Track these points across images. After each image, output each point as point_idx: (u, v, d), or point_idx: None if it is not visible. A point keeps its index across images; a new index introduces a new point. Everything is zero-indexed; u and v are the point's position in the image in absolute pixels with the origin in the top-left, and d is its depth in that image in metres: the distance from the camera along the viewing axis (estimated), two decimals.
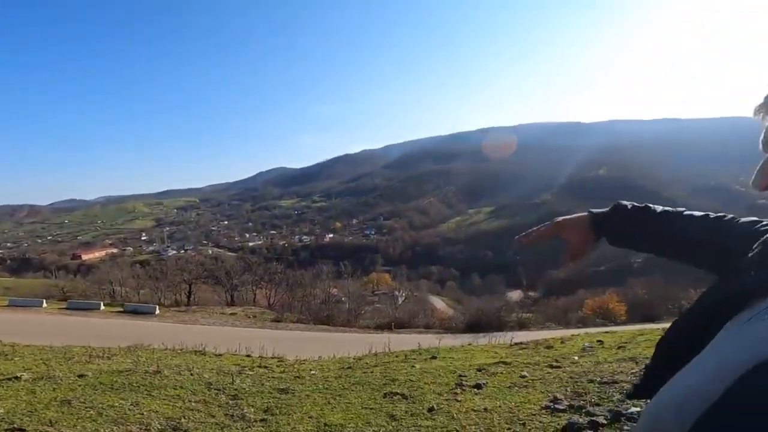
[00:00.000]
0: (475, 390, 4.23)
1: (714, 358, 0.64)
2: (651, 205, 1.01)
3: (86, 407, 3.82)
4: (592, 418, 3.00)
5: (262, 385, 4.82)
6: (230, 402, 4.19)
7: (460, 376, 4.83)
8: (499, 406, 3.61)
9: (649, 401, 0.70)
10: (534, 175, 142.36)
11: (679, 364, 0.69)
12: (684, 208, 1.00)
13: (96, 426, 3.43)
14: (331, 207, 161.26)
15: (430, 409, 3.73)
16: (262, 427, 3.60)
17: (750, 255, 0.76)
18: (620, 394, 3.50)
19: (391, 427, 3.45)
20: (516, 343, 7.75)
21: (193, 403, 4.07)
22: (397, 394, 4.29)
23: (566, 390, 3.83)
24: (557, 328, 15.47)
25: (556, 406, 3.35)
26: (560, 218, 1.06)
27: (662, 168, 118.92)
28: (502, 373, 4.87)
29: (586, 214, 1.04)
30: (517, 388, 4.16)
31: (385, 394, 4.33)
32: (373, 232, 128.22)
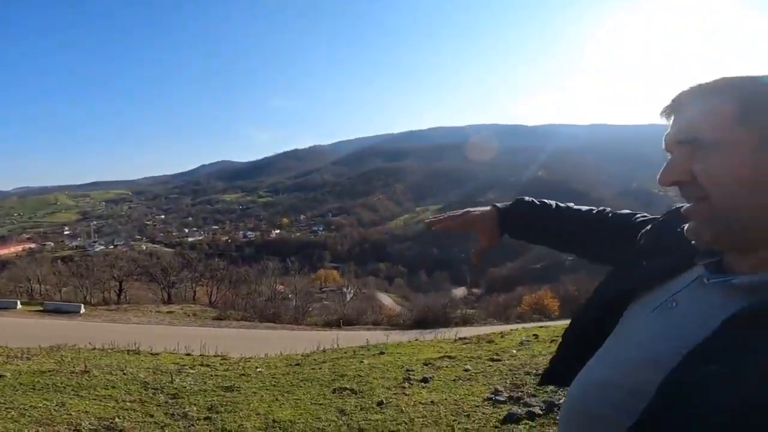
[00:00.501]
0: (422, 384, 4.42)
1: (627, 347, 0.69)
2: (547, 201, 1.10)
3: (6, 408, 3.61)
4: (530, 409, 3.26)
5: (205, 383, 4.75)
6: (170, 401, 4.10)
7: (408, 370, 5.01)
8: (445, 399, 3.82)
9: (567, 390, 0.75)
10: (480, 175, 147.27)
11: (584, 352, 0.75)
12: (572, 204, 1.10)
13: (19, 427, 3.26)
14: (278, 202, 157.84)
15: (380, 403, 3.87)
16: (207, 425, 3.58)
17: (637, 246, 0.84)
18: (553, 385, 3.81)
19: (341, 422, 3.55)
20: (460, 338, 8.09)
21: (128, 403, 3.96)
22: (347, 389, 4.39)
23: (506, 382, 4.11)
24: (498, 324, 16.22)
25: (497, 397, 3.60)
26: (471, 211, 1.12)
27: (593, 171, 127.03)
28: (447, 367, 5.11)
29: (492, 208, 1.11)
30: (461, 381, 4.39)
31: (334, 389, 4.42)
32: (321, 229, 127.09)
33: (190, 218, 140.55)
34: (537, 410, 3.21)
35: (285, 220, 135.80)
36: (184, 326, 16.05)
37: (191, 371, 5.45)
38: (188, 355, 7.34)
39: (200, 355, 7.24)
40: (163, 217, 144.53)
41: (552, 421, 3.06)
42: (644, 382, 0.61)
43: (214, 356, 7.20)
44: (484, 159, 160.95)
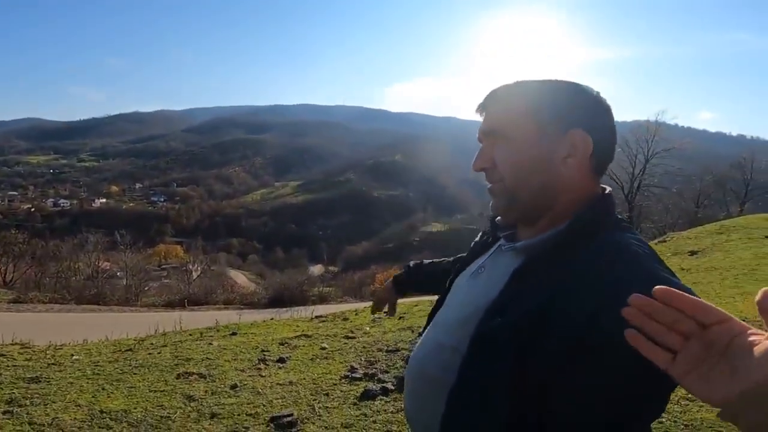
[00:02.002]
0: (279, 364, 4.34)
1: (450, 311, 0.84)
2: (424, 261, 1.36)
3: None
4: (383, 385, 3.44)
5: None
6: None
7: (263, 351, 4.86)
8: (303, 378, 3.81)
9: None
10: (341, 155, 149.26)
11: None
12: (444, 258, 1.35)
13: None
14: (105, 168, 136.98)
15: (233, 387, 3.68)
16: (9, 420, 3.01)
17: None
18: (402, 360, 4.10)
19: (190, 408, 3.29)
20: (317, 317, 8.16)
21: None
22: (194, 374, 4.08)
23: (361, 359, 4.27)
24: (353, 301, 16.80)
25: (354, 375, 3.72)
26: (377, 294, 1.45)
27: (441, 158, 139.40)
28: (304, 346, 5.10)
29: (390, 282, 1.37)
30: (318, 359, 4.43)
31: (178, 375, 4.06)
32: (162, 200, 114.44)
33: None
34: (389, 386, 3.41)
35: (114, 188, 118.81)
36: None
37: None
38: None
39: None
40: None
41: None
42: (462, 340, 0.72)
43: (11, 344, 5.98)
44: (346, 140, 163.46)
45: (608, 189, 0.78)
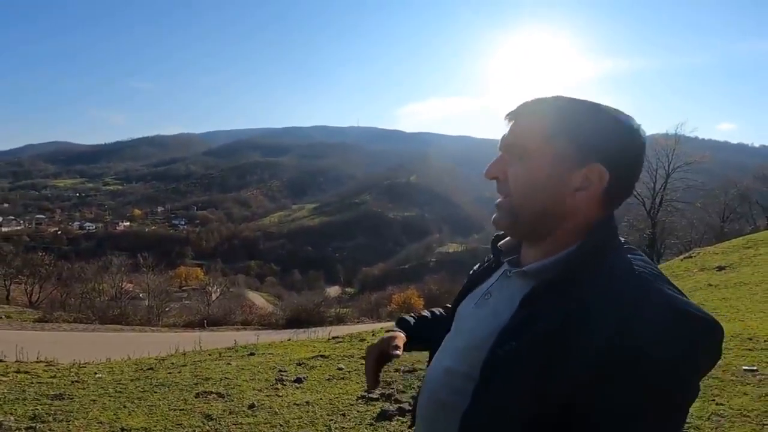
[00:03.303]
0: (296, 384, 4.33)
1: (459, 337, 0.83)
2: (423, 312, 1.17)
3: None
4: (400, 405, 3.40)
5: (23, 391, 4.08)
6: None
7: (280, 371, 4.86)
8: (320, 399, 3.79)
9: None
10: (356, 176, 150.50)
11: None
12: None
13: None
14: (129, 191, 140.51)
15: (251, 406, 3.68)
16: None
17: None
18: (419, 381, 4.05)
19: (208, 427, 3.29)
20: (333, 337, 8.13)
21: None
22: (212, 393, 4.09)
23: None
24: (370, 322, 16.73)
25: (370, 395, 3.69)
26: (371, 354, 1.06)
27: (456, 178, 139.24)
28: (320, 366, 5.08)
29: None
30: (335, 380, 4.40)
31: (197, 393, 4.08)
32: (183, 223, 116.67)
33: (6, 204, 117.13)
34: (406, 406, 3.37)
35: (137, 212, 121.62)
36: None
37: (3, 379, 4.61)
38: (0, 361, 6.12)
39: (16, 362, 6.08)
40: None
41: None
42: (474, 365, 0.72)
43: (36, 362, 6.12)
44: (361, 160, 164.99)
45: (610, 214, 0.76)
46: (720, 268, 9.21)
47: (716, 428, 2.65)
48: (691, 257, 11.81)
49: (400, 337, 1.04)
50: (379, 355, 1.02)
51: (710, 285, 7.58)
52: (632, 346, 0.59)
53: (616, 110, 0.73)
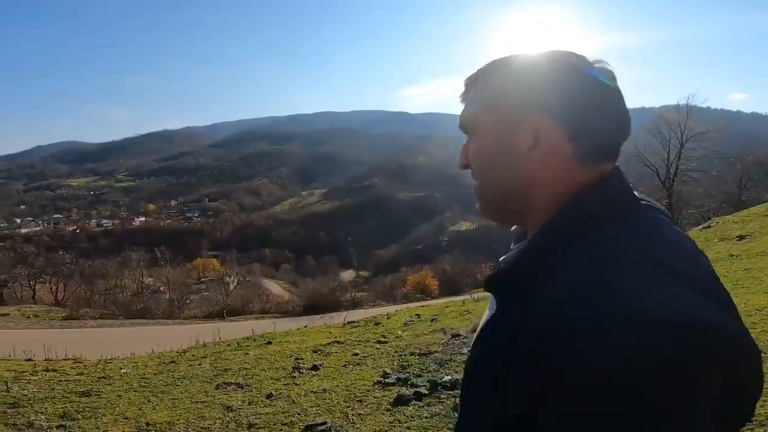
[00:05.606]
0: (313, 372, 4.40)
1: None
2: None
3: None
4: (416, 389, 3.44)
5: (53, 390, 4.22)
6: (9, 411, 3.61)
7: (297, 359, 4.94)
8: (337, 386, 3.85)
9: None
10: (364, 160, 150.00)
11: None
12: None
13: None
14: (141, 187, 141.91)
15: (269, 396, 3.76)
16: None
17: None
18: (435, 363, 4.08)
19: (228, 419, 3.38)
20: (349, 322, 8.21)
21: None
22: (232, 383, 4.20)
23: (393, 364, 4.28)
24: (386, 305, 16.83)
25: (386, 380, 3.73)
26: None
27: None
28: (336, 352, 5.15)
29: None
30: (351, 366, 4.46)
31: (217, 385, 4.19)
32: (196, 215, 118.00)
33: (23, 206, 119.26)
34: (423, 390, 3.40)
35: (151, 207, 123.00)
36: (24, 329, 13.65)
37: (33, 378, 4.76)
38: (29, 360, 6.32)
39: (45, 360, 6.28)
40: None
41: (437, 400, 3.27)
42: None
43: (64, 360, 6.31)
44: (368, 144, 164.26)
45: (609, 171, 0.63)
46: (740, 238, 9.03)
47: None
48: (710, 227, 11.61)
49: None
50: None
51: (732, 255, 7.44)
52: (561, 356, 0.48)
53: (557, 53, 0.64)
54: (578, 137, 0.61)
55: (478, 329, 0.67)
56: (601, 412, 0.47)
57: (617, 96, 0.64)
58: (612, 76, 0.63)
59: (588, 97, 0.61)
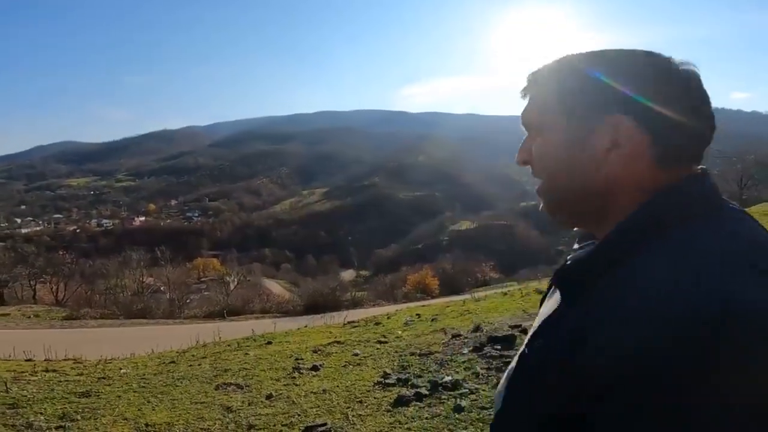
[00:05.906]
0: (313, 372, 4.39)
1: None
2: None
3: None
4: (417, 390, 3.43)
5: (52, 390, 4.20)
6: (8, 411, 3.59)
7: (297, 359, 4.93)
8: (337, 386, 3.84)
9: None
10: (364, 159, 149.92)
11: None
12: None
13: None
14: (142, 187, 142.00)
15: (269, 396, 3.75)
16: None
17: None
18: (436, 364, 4.06)
19: (227, 419, 3.37)
20: (349, 322, 8.20)
21: None
22: (231, 384, 4.18)
23: (393, 364, 4.27)
24: (386, 305, 16.82)
25: (387, 381, 3.72)
26: None
27: (464, 156, 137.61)
28: (336, 353, 5.14)
29: None
30: (351, 366, 4.45)
31: (217, 386, 4.18)
32: (196, 215, 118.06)
33: (23, 206, 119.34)
34: (423, 390, 3.39)
35: (152, 206, 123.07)
36: (24, 329, 13.64)
37: (32, 378, 4.75)
38: (29, 361, 6.31)
39: (45, 360, 6.27)
40: None
41: (438, 401, 3.26)
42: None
43: (64, 360, 6.30)
44: (368, 144, 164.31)
45: (691, 173, 0.60)
46: None
47: None
48: None
49: None
50: None
51: None
52: (647, 364, 0.47)
53: (630, 50, 0.62)
54: (662, 140, 0.59)
55: (538, 323, 0.67)
56: (678, 414, 0.45)
57: (704, 99, 0.61)
58: (698, 78, 0.61)
59: (675, 99, 0.59)
